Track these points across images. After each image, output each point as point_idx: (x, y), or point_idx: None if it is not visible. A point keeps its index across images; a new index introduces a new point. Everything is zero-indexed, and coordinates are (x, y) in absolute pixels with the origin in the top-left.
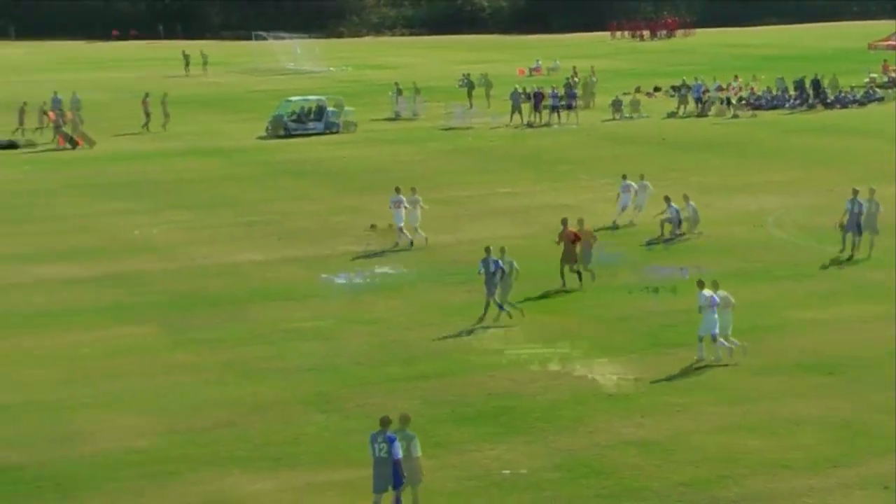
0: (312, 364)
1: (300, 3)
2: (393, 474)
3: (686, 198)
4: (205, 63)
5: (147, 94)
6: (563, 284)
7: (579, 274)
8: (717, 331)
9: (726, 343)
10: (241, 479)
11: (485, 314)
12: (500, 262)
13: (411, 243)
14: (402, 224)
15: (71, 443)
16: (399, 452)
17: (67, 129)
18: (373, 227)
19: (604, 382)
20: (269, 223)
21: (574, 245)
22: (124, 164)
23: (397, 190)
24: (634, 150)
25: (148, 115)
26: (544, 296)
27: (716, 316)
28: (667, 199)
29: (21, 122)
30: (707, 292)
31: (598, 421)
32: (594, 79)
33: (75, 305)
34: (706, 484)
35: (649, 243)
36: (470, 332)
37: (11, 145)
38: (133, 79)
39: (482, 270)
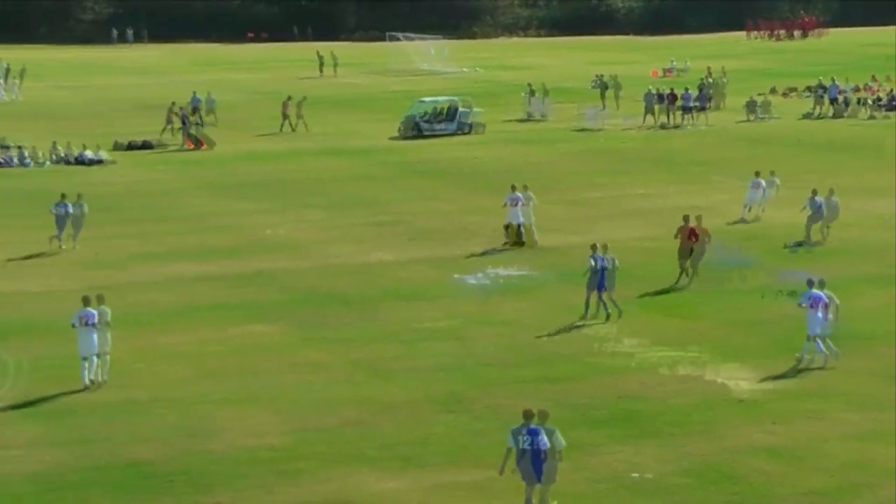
0: (442, 364)
1: (434, 4)
2: (535, 467)
3: (831, 191)
4: (335, 64)
5: (289, 97)
6: (678, 281)
7: (686, 272)
8: (819, 331)
9: (822, 346)
10: (369, 477)
11: (598, 312)
12: (605, 259)
13: (536, 242)
14: (520, 221)
15: (202, 439)
16: (546, 443)
17: (192, 131)
18: (506, 227)
19: (734, 387)
20: (401, 223)
21: (690, 241)
22: (258, 163)
23: (513, 188)
24: (768, 151)
25: (286, 116)
26: (674, 298)
27: (819, 315)
28: (813, 192)
29: (169, 122)
30: (815, 291)
31: (729, 426)
32: (725, 79)
33: (207, 303)
34: (838, 492)
35: (790, 245)
36: (598, 334)
37: (146, 145)
38: (268, 80)
39: (592, 265)
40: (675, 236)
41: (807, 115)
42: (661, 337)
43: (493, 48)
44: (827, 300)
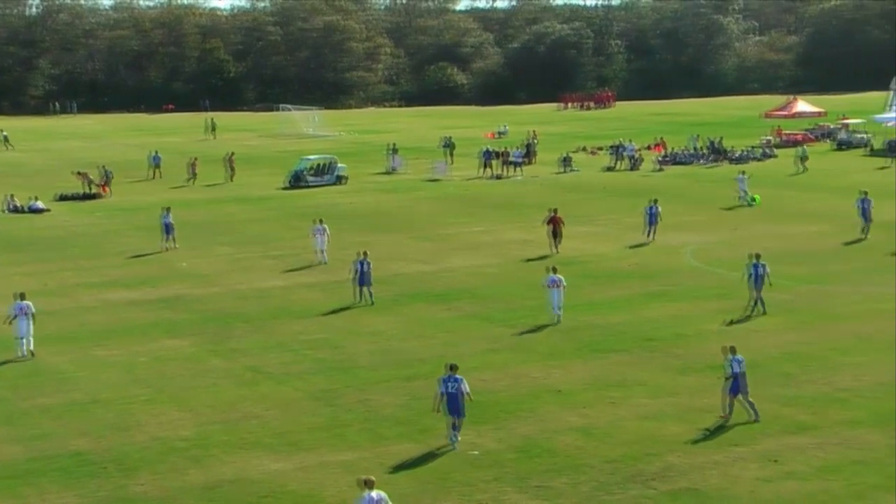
0: (322, 368)
1: (317, 81)
2: (457, 405)
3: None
4: (214, 129)
5: (232, 153)
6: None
7: (556, 246)
8: (556, 303)
9: (558, 311)
10: (264, 460)
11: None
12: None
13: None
14: (323, 247)
15: (130, 432)
16: (467, 388)
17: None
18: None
19: (552, 380)
20: (289, 256)
21: (556, 225)
22: (176, 209)
23: (319, 221)
24: (581, 197)
25: (232, 168)
26: (511, 312)
27: (557, 291)
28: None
29: (192, 173)
30: (553, 276)
31: (549, 412)
32: (536, 140)
33: (135, 323)
34: (633, 460)
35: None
36: (449, 341)
37: (87, 196)
38: (179, 142)
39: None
40: (545, 223)
41: (608, 169)
42: (497, 344)
43: (363, 116)
44: (560, 282)
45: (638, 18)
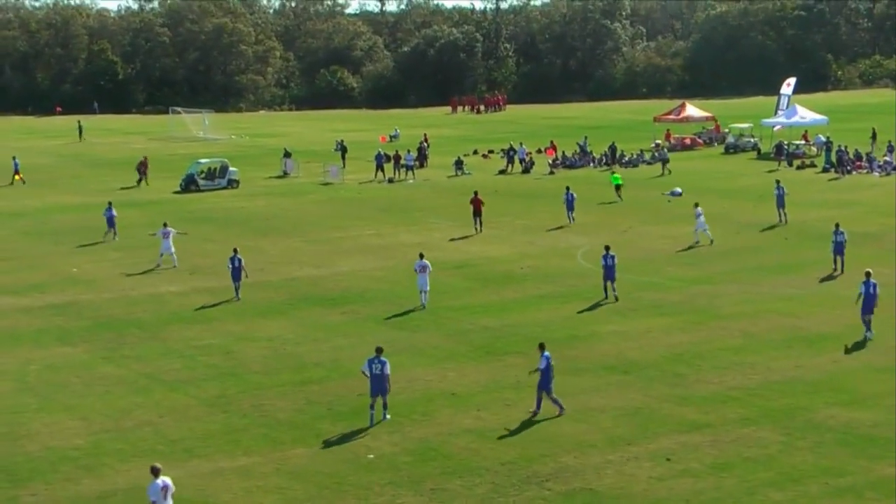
0: (216, 373)
1: (208, 84)
2: (382, 386)
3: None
4: (80, 132)
5: (144, 157)
6: (475, 231)
7: (478, 227)
8: (425, 287)
9: (425, 298)
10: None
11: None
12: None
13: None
14: (171, 251)
15: (21, 441)
16: (388, 370)
17: None
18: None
19: (448, 385)
20: (183, 260)
21: (478, 205)
22: (66, 214)
23: (164, 224)
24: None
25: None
26: (406, 318)
27: (425, 276)
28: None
29: (142, 174)
30: (422, 261)
31: (444, 415)
32: (426, 144)
33: (26, 329)
34: (529, 461)
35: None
36: (342, 344)
37: None
38: (67, 145)
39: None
40: (470, 202)
41: (501, 172)
42: (391, 347)
43: (254, 120)
44: (427, 267)
45: (527, 22)
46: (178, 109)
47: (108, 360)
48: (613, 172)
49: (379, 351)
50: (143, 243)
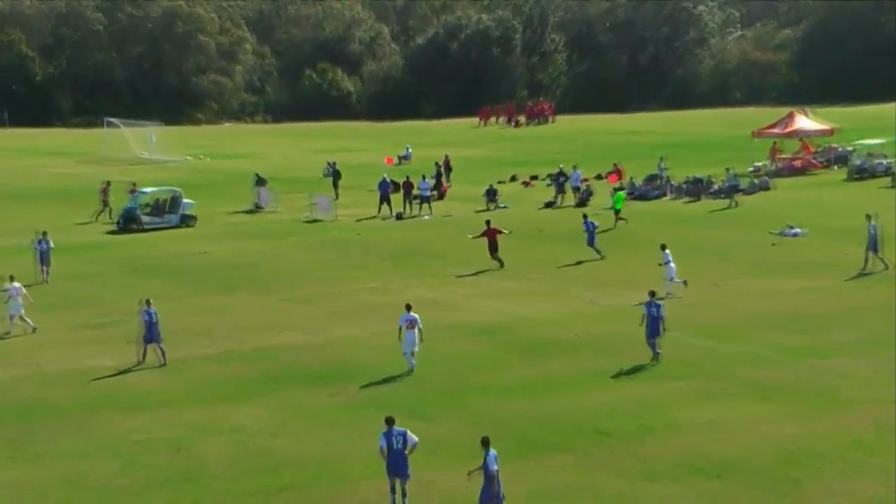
0: (163, 479)
1: (156, 89)
2: (402, 464)
3: None
4: None
5: (108, 182)
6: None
7: (500, 261)
8: (412, 348)
9: (413, 361)
10: None
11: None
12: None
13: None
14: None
15: None
16: (415, 439)
17: None
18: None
19: (478, 492)
20: (121, 324)
21: (493, 236)
22: None
23: (11, 278)
24: (509, 243)
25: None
26: (418, 396)
27: (409, 334)
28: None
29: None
30: (409, 314)
31: None
32: (447, 167)
33: None
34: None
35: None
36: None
37: None
38: None
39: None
40: (483, 235)
41: (548, 204)
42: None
43: (218, 135)
44: (417, 321)
45: (582, 7)
46: (116, 122)
47: (14, 459)
48: (617, 191)
49: (390, 422)
50: (63, 300)
